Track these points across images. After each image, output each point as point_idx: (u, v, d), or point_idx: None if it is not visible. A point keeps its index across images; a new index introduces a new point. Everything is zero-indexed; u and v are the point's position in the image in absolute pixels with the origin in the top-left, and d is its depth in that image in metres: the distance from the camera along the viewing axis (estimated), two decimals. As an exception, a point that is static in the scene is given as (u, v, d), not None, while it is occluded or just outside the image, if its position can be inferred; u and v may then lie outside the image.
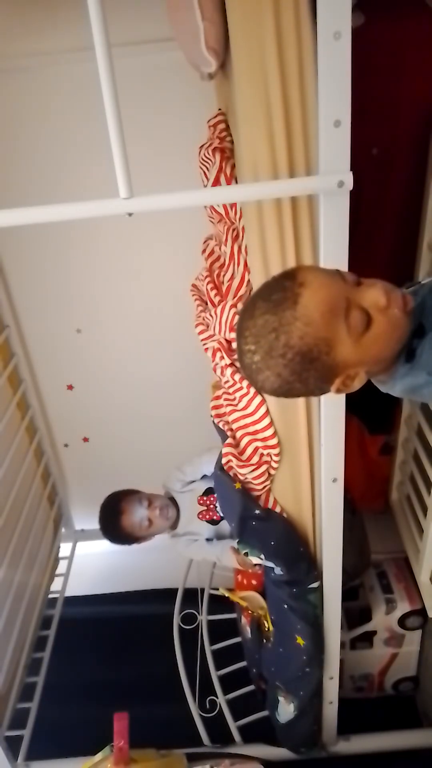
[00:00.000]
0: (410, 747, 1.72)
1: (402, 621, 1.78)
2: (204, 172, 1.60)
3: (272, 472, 1.35)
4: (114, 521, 1.80)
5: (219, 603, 2.02)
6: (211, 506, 1.81)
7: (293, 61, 0.95)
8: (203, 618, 2.00)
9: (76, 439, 2.35)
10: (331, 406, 1.13)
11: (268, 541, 1.37)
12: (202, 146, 1.60)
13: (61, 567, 2.32)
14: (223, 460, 1.39)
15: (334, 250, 0.96)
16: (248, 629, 1.79)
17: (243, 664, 1.87)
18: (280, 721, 1.64)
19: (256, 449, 1.34)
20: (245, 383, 1.33)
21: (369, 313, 0.75)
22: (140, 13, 1.57)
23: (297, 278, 0.74)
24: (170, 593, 2.11)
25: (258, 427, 1.31)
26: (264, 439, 1.31)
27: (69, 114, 1.74)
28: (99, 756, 1.37)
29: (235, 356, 0.87)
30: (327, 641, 1.47)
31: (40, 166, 1.82)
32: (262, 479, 1.35)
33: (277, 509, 1.38)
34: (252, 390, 1.31)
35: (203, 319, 1.61)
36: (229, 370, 1.40)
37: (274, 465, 1.33)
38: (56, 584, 2.23)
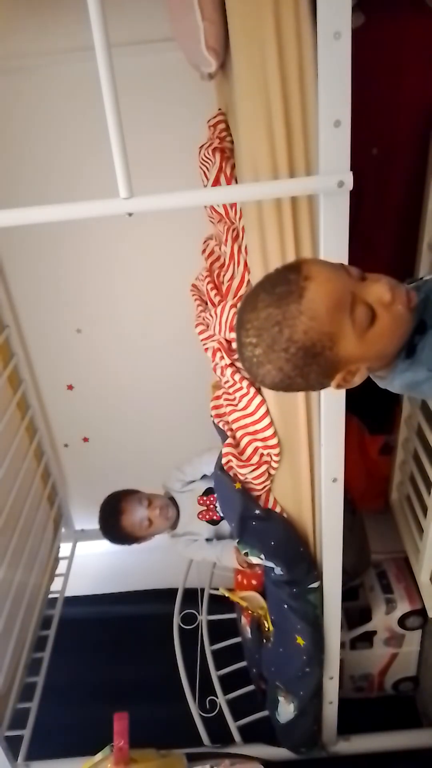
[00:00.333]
0: (410, 747, 1.72)
1: (402, 621, 1.78)
2: (204, 172, 1.60)
3: (272, 472, 1.35)
4: (114, 521, 1.80)
5: (219, 603, 2.02)
6: (211, 506, 1.81)
7: (293, 61, 0.95)
8: (203, 618, 2.00)
9: (76, 439, 2.35)
10: (332, 406, 1.13)
11: (268, 541, 1.37)
12: (202, 146, 1.60)
13: (61, 567, 2.32)
14: (223, 460, 1.39)
15: (334, 250, 0.96)
16: (248, 629, 1.79)
17: (243, 664, 1.87)
18: (280, 721, 1.65)
19: (256, 449, 1.34)
20: (245, 383, 1.33)
21: (374, 309, 0.74)
22: (140, 13, 1.57)
23: (302, 271, 0.73)
24: (170, 593, 2.11)
25: (258, 427, 1.31)
26: (264, 439, 1.31)
27: (69, 114, 1.74)
28: (99, 756, 1.37)
29: (235, 356, 0.87)
30: (327, 641, 1.47)
31: (40, 166, 1.82)
32: (262, 479, 1.35)
33: (277, 509, 1.38)
34: (252, 390, 1.31)
35: (203, 319, 1.61)
36: (229, 370, 1.40)
37: (274, 465, 1.33)
38: (56, 584, 2.23)
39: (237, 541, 1.51)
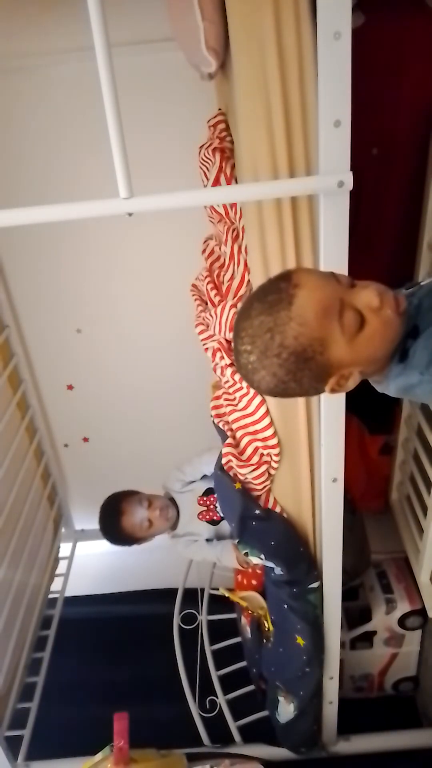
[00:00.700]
0: (410, 747, 1.72)
1: (402, 621, 1.78)
2: (204, 172, 1.60)
3: (272, 472, 1.35)
4: (114, 522, 1.80)
5: (219, 603, 2.02)
6: (211, 506, 1.81)
7: (293, 61, 0.95)
8: (203, 618, 2.00)
9: (76, 439, 2.35)
10: (331, 406, 1.13)
11: (268, 541, 1.38)
12: (202, 146, 1.60)
13: (61, 567, 2.32)
14: (223, 460, 1.39)
15: (334, 250, 0.96)
16: (248, 629, 1.79)
17: (243, 664, 1.88)
18: (280, 721, 1.65)
19: (256, 449, 1.34)
20: (245, 383, 1.33)
21: (362, 314, 0.76)
22: (140, 13, 1.57)
23: (292, 280, 0.75)
24: (170, 593, 2.11)
25: (258, 427, 1.31)
26: (264, 439, 1.31)
27: (69, 114, 1.74)
28: (99, 756, 1.38)
29: (233, 355, 0.88)
30: (327, 641, 1.47)
31: (40, 166, 1.82)
32: (262, 479, 1.35)
33: (277, 509, 1.38)
34: (252, 390, 1.31)
35: (203, 319, 1.61)
36: (229, 370, 1.40)
37: (274, 465, 1.33)
38: (56, 584, 2.24)
39: (237, 541, 1.52)
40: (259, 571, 1.78)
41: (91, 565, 2.35)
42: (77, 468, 2.42)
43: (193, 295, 1.71)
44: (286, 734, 1.66)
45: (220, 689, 1.81)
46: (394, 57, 1.53)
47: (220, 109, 1.61)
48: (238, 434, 1.38)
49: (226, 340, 1.45)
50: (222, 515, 1.72)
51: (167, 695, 1.82)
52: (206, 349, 1.53)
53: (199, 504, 1.82)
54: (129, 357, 2.16)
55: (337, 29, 0.81)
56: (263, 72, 0.96)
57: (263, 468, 1.34)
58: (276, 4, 0.92)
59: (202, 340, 1.57)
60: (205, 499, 1.82)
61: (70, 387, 2.23)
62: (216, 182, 1.47)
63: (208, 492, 1.81)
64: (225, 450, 1.40)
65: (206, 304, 1.64)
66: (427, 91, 1.55)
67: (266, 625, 1.71)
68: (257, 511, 1.36)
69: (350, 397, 1.07)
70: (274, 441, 1.29)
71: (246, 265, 1.39)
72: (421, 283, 0.91)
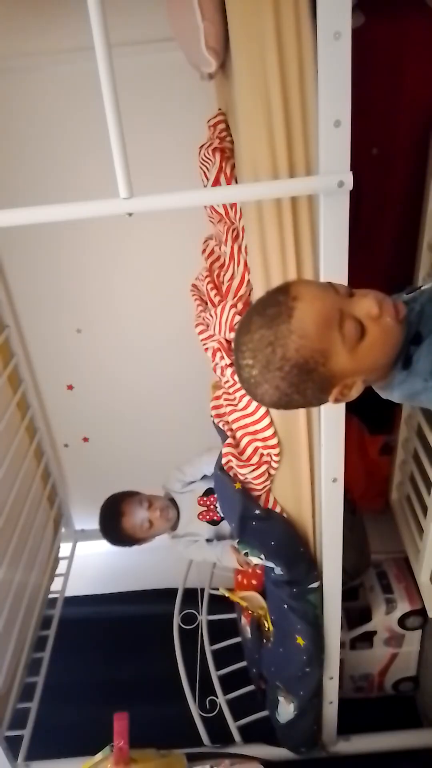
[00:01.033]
0: (410, 747, 1.72)
1: (402, 621, 1.78)
2: (204, 172, 1.60)
3: (272, 472, 1.35)
4: (114, 523, 1.80)
5: (219, 603, 2.02)
6: (212, 507, 1.81)
7: (293, 61, 0.95)
8: (203, 618, 2.00)
9: (76, 439, 2.35)
10: (331, 407, 1.13)
11: (268, 541, 1.37)
12: (202, 146, 1.60)
13: (61, 567, 2.32)
14: (223, 460, 1.39)
15: (334, 250, 0.96)
16: (248, 629, 1.79)
17: (243, 664, 1.87)
18: (280, 721, 1.64)
19: (256, 449, 1.34)
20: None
21: (362, 323, 0.76)
22: (140, 13, 1.57)
23: (290, 292, 0.75)
24: (170, 593, 2.11)
25: (258, 427, 1.31)
26: (264, 439, 1.31)
27: (69, 114, 1.74)
28: (99, 756, 1.37)
29: (235, 370, 0.88)
30: (327, 641, 1.47)
31: (40, 166, 1.82)
32: (262, 479, 1.35)
33: (277, 509, 1.38)
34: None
35: (203, 319, 1.61)
36: (229, 370, 1.40)
37: (274, 465, 1.33)
38: (56, 584, 2.23)
39: (237, 541, 1.51)
40: (259, 571, 1.78)
41: (91, 565, 2.35)
42: (77, 468, 2.42)
43: (193, 295, 1.71)
44: (286, 734, 1.66)
45: (220, 689, 1.81)
46: (394, 57, 1.53)
47: (220, 109, 1.61)
48: (238, 434, 1.38)
49: (226, 340, 1.45)
50: (222, 515, 1.72)
51: (167, 695, 1.82)
52: (206, 349, 1.53)
53: (200, 504, 1.82)
54: (129, 357, 2.16)
55: (337, 29, 0.81)
56: (263, 72, 0.96)
57: (263, 468, 1.34)
58: (276, 4, 0.92)
59: (202, 340, 1.57)
60: (205, 499, 1.81)
61: (70, 387, 2.23)
62: (216, 182, 1.47)
63: (209, 492, 1.81)
64: (225, 450, 1.40)
65: (206, 304, 1.64)
66: (427, 91, 1.55)
67: (266, 625, 1.71)
68: (257, 511, 1.36)
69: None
70: (274, 441, 1.29)
71: (246, 265, 1.39)
72: (422, 288, 0.91)
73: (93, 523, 1.90)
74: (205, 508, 1.82)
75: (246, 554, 1.48)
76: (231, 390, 1.43)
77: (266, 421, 1.29)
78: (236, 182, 1.43)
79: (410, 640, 1.83)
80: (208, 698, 1.79)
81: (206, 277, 1.64)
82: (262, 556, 1.41)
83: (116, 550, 1.88)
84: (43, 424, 2.28)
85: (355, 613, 1.84)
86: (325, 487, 1.23)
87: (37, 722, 1.77)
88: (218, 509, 1.75)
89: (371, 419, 1.98)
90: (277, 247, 1.07)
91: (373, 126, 1.53)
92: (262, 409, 1.29)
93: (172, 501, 1.87)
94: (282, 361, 0.74)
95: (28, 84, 1.73)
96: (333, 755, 1.71)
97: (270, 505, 1.39)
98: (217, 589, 2.00)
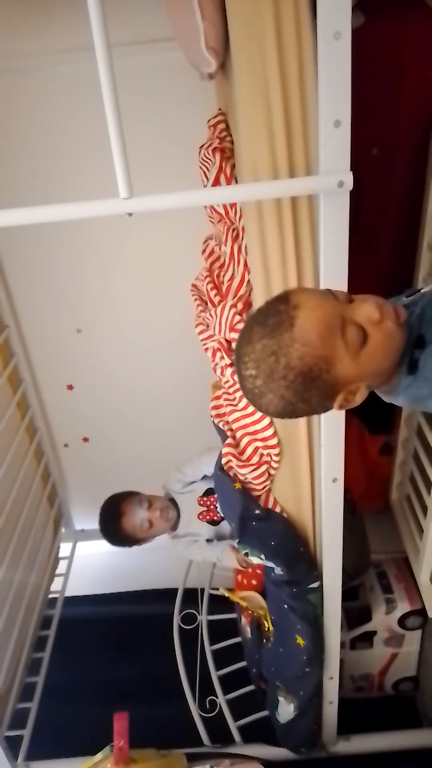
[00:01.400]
0: (410, 747, 1.72)
1: (402, 621, 1.78)
2: (204, 172, 1.60)
3: (272, 472, 1.35)
4: (114, 523, 1.80)
5: (219, 603, 2.02)
6: (212, 507, 1.81)
7: (293, 61, 0.95)
8: (203, 618, 2.00)
9: (76, 439, 2.35)
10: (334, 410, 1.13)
11: (268, 541, 1.37)
12: (202, 146, 1.60)
13: (61, 567, 2.32)
14: (223, 460, 1.39)
15: (334, 250, 0.96)
16: (248, 629, 1.79)
17: (243, 664, 1.87)
18: (280, 721, 1.65)
19: (256, 449, 1.34)
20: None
21: (364, 328, 0.76)
22: (140, 13, 1.57)
23: (291, 301, 0.75)
24: (170, 593, 2.11)
25: (258, 427, 1.31)
26: (264, 439, 1.31)
27: (69, 114, 1.74)
28: (99, 756, 1.37)
29: (237, 381, 0.88)
30: (327, 641, 1.47)
31: (40, 166, 1.82)
32: (262, 479, 1.35)
33: (277, 509, 1.38)
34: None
35: (203, 319, 1.61)
36: (229, 370, 1.40)
37: (274, 465, 1.33)
38: (56, 584, 2.23)
39: (237, 541, 1.52)
40: (259, 571, 1.78)
41: (91, 565, 2.35)
42: (77, 468, 2.42)
43: (193, 295, 1.71)
44: (286, 734, 1.66)
45: (220, 689, 1.81)
46: (394, 57, 1.53)
47: (220, 109, 1.61)
48: (238, 434, 1.38)
49: (226, 340, 1.45)
50: (222, 515, 1.72)
51: (167, 695, 1.82)
52: (206, 349, 1.53)
53: (200, 504, 1.82)
54: (129, 357, 2.16)
55: (337, 29, 0.81)
56: (263, 72, 0.96)
57: (263, 468, 1.34)
58: (276, 4, 0.92)
59: (202, 340, 1.57)
60: (205, 499, 1.81)
61: (70, 387, 2.23)
62: (216, 182, 1.47)
63: (209, 492, 1.81)
64: (225, 450, 1.40)
65: (206, 304, 1.64)
66: (427, 91, 1.55)
67: (266, 625, 1.71)
68: (257, 511, 1.36)
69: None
70: (274, 441, 1.29)
71: (246, 265, 1.39)
72: (422, 291, 0.91)
73: (93, 523, 1.90)
74: (205, 509, 1.82)
75: (246, 554, 1.48)
76: (231, 390, 1.43)
77: (266, 421, 1.29)
78: (236, 182, 1.43)
79: (410, 640, 1.83)
80: (208, 698, 1.79)
81: (206, 277, 1.64)
82: (262, 556, 1.41)
83: (116, 550, 1.88)
84: (43, 424, 2.28)
85: (355, 613, 1.84)
86: (325, 487, 1.23)
87: (37, 722, 1.77)
88: (218, 509, 1.75)
89: (371, 419, 1.98)
90: (277, 247, 1.07)
91: (373, 126, 1.53)
92: (262, 410, 1.29)
93: (173, 501, 1.87)
94: (286, 369, 0.74)
95: (28, 84, 1.73)
96: (333, 755, 1.71)
97: (270, 505, 1.39)
98: (217, 589, 2.00)
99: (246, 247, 1.32)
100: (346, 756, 1.71)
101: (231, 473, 1.39)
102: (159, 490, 1.91)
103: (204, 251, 1.73)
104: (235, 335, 1.37)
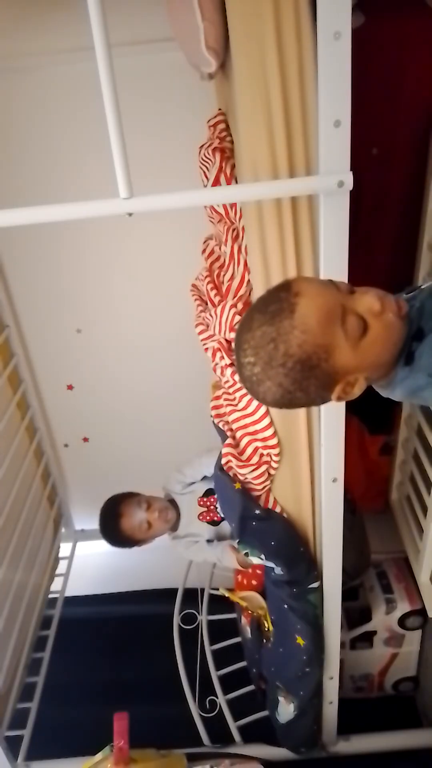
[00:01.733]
0: (410, 747, 1.72)
1: (402, 621, 1.78)
2: (204, 172, 1.60)
3: (272, 472, 1.35)
4: (113, 524, 1.80)
5: (219, 603, 2.02)
6: (212, 507, 1.81)
7: (293, 61, 0.95)
8: (203, 618, 2.00)
9: (76, 439, 2.35)
10: (331, 407, 1.13)
11: (268, 541, 1.37)
12: (202, 146, 1.60)
13: (61, 567, 2.32)
14: (223, 461, 1.39)
15: (334, 250, 0.96)
16: (248, 629, 1.79)
17: (243, 664, 1.87)
18: (280, 721, 1.65)
19: (256, 449, 1.34)
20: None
21: (365, 319, 0.76)
22: (140, 13, 1.57)
23: (292, 289, 0.75)
24: (170, 593, 2.11)
25: (258, 427, 1.31)
26: (264, 439, 1.31)
27: (69, 114, 1.74)
28: (99, 756, 1.38)
29: (236, 369, 0.88)
30: (327, 641, 1.47)
31: (39, 166, 1.82)
32: (262, 479, 1.35)
33: (277, 509, 1.38)
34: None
35: (203, 319, 1.61)
36: (229, 370, 1.40)
37: (274, 465, 1.33)
38: (56, 584, 2.23)
39: (237, 541, 1.52)
40: (259, 571, 1.78)
41: (91, 565, 2.35)
42: (77, 468, 2.42)
43: (193, 295, 1.71)
44: (286, 734, 1.66)
45: (220, 689, 1.81)
46: (395, 57, 1.53)
47: (220, 109, 1.61)
48: (238, 434, 1.38)
49: (226, 340, 1.45)
50: (222, 516, 1.72)
51: (167, 695, 1.82)
52: (206, 349, 1.53)
53: (200, 505, 1.82)
54: (129, 357, 2.16)
55: (337, 29, 0.81)
56: (263, 72, 0.96)
57: (263, 468, 1.34)
58: (276, 4, 0.92)
59: (202, 340, 1.57)
60: (205, 500, 1.81)
61: (70, 387, 2.23)
62: (216, 182, 1.47)
63: (209, 493, 1.81)
64: (225, 450, 1.40)
65: (206, 304, 1.64)
66: (427, 91, 1.55)
67: (266, 625, 1.71)
68: (257, 511, 1.36)
69: (350, 397, 1.07)
70: (274, 441, 1.29)
71: (246, 265, 1.39)
72: (422, 287, 0.91)
73: (93, 523, 1.90)
74: (206, 509, 1.82)
75: (246, 554, 1.48)
76: (231, 390, 1.43)
77: (266, 421, 1.29)
78: (236, 182, 1.43)
79: (410, 640, 1.83)
80: (208, 698, 1.79)
81: (206, 277, 1.64)
82: (262, 556, 1.41)
83: (116, 551, 1.88)
84: (43, 424, 2.28)
85: (355, 613, 1.84)
86: (325, 487, 1.23)
87: (37, 722, 1.77)
88: (218, 510, 1.75)
89: (371, 419, 1.98)
90: (277, 247, 1.07)
91: (373, 126, 1.53)
92: (262, 409, 1.29)
93: (173, 502, 1.87)
94: (284, 357, 0.74)
95: (28, 84, 1.73)
96: (333, 755, 1.71)
97: (270, 505, 1.39)
98: (217, 589, 2.00)
99: (246, 247, 1.32)
100: (346, 756, 1.71)
101: (231, 473, 1.39)
102: (159, 490, 1.91)
103: (204, 251, 1.73)
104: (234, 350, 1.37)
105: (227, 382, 1.43)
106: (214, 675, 1.85)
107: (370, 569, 1.85)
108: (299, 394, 0.77)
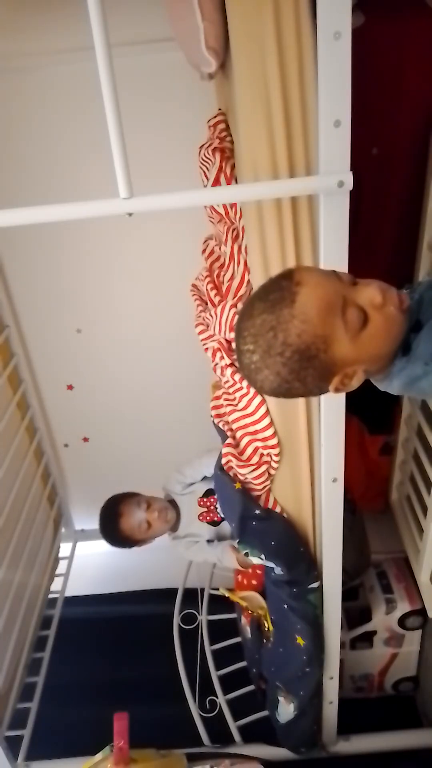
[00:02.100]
0: (410, 747, 1.72)
1: (402, 621, 1.78)
2: (204, 172, 1.60)
3: (272, 472, 1.35)
4: (113, 524, 1.80)
5: (219, 603, 2.02)
6: (212, 507, 1.81)
7: (293, 61, 0.95)
8: (203, 618, 2.00)
9: (76, 439, 2.35)
10: (331, 407, 1.13)
11: (268, 541, 1.37)
12: (202, 146, 1.60)
13: (61, 567, 2.32)
14: (223, 461, 1.39)
15: (334, 250, 0.96)
16: (248, 629, 1.79)
17: (243, 664, 1.87)
18: (280, 721, 1.65)
19: (256, 449, 1.34)
20: (245, 383, 1.33)
21: (365, 311, 0.76)
22: (140, 13, 1.57)
23: (294, 278, 0.75)
24: (170, 593, 2.11)
25: (258, 427, 1.31)
26: (264, 439, 1.31)
27: (69, 114, 1.74)
28: (99, 756, 1.37)
29: (235, 356, 0.88)
30: (327, 641, 1.47)
31: (40, 166, 1.82)
32: (262, 479, 1.35)
33: (277, 509, 1.38)
34: (252, 390, 1.31)
35: (203, 319, 1.61)
36: (229, 370, 1.40)
37: (274, 465, 1.33)
38: (56, 584, 2.24)
39: (237, 541, 1.52)
40: (259, 571, 1.78)
41: (91, 565, 2.35)
42: (77, 468, 2.42)
43: (193, 295, 1.71)
44: (286, 734, 1.66)
45: (220, 689, 1.81)
46: (395, 57, 1.53)
47: (220, 109, 1.61)
48: (238, 434, 1.38)
49: (226, 340, 1.45)
50: (222, 516, 1.72)
51: (167, 695, 1.82)
52: (206, 349, 1.53)
53: (200, 505, 1.82)
54: (129, 357, 2.17)
55: (337, 29, 0.81)
56: (263, 72, 0.96)
57: (263, 468, 1.34)
58: (276, 4, 0.92)
59: (202, 340, 1.57)
60: (205, 500, 1.81)
61: (70, 387, 2.24)
62: (216, 182, 1.47)
63: (209, 493, 1.81)
64: (225, 450, 1.40)
65: (206, 304, 1.64)
66: (428, 91, 1.55)
67: (266, 625, 1.71)
68: (257, 511, 1.36)
69: (350, 397, 1.07)
70: (274, 441, 1.29)
71: (246, 265, 1.39)
72: (421, 281, 0.91)
73: (93, 523, 1.90)
74: (206, 509, 1.82)
75: (246, 554, 1.48)
76: (231, 390, 1.43)
77: (266, 421, 1.29)
78: (236, 182, 1.43)
79: (410, 640, 1.82)
80: (208, 698, 1.79)
81: (206, 277, 1.64)
82: (262, 556, 1.41)
83: (116, 550, 1.88)
84: (43, 424, 2.28)
85: (355, 613, 1.84)
86: (325, 487, 1.23)
87: (37, 722, 1.77)
88: (218, 510, 1.75)
89: (371, 419, 1.98)
90: (277, 247, 1.07)
91: (373, 126, 1.53)
92: (262, 409, 1.29)
93: (172, 502, 1.87)
94: (283, 346, 0.74)
95: (28, 84, 1.73)
96: (333, 755, 1.71)
97: (270, 505, 1.39)
98: (217, 589, 2.00)
99: (246, 247, 1.32)
100: (346, 756, 1.71)
101: (231, 473, 1.39)
102: (159, 491, 1.91)
103: (204, 251, 1.73)
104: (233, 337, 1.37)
105: (227, 382, 1.43)
106: (214, 675, 1.85)
107: (370, 569, 1.85)
108: (297, 384, 0.77)
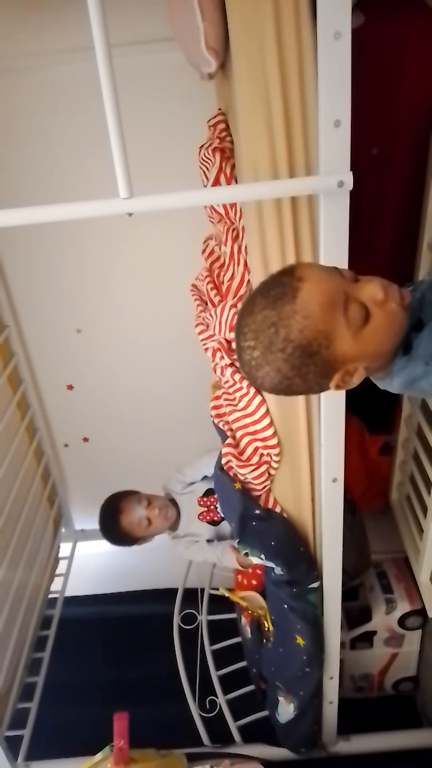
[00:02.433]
0: (410, 747, 1.72)
1: (402, 621, 1.78)
2: (204, 172, 1.60)
3: (272, 472, 1.35)
4: (113, 521, 1.80)
5: (219, 603, 2.02)
6: (212, 507, 1.81)
7: (293, 61, 0.95)
8: (203, 618, 2.00)
9: (76, 439, 2.35)
10: (332, 406, 1.13)
11: (268, 541, 1.37)
12: (202, 146, 1.60)
13: (61, 567, 2.32)
14: (223, 460, 1.39)
15: (334, 250, 0.96)
16: (248, 629, 1.79)
17: (243, 664, 1.87)
18: (280, 721, 1.65)
19: (256, 449, 1.34)
20: (245, 383, 1.33)
21: (367, 308, 0.76)
22: (140, 13, 1.57)
23: (295, 273, 0.75)
24: (170, 593, 2.11)
25: (258, 427, 1.31)
26: (264, 439, 1.31)
27: (69, 114, 1.74)
28: (99, 756, 1.37)
29: (235, 356, 0.88)
30: (327, 641, 1.47)
31: (39, 166, 1.82)
32: (262, 479, 1.35)
33: (277, 509, 1.38)
34: (252, 390, 1.31)
35: (203, 319, 1.61)
36: (229, 370, 1.40)
37: (274, 465, 1.33)
38: (56, 584, 2.24)
39: (237, 541, 1.52)
40: (259, 571, 1.78)
41: (91, 565, 2.36)
42: (77, 468, 2.42)
43: (193, 295, 1.71)
44: (286, 734, 1.66)
45: (220, 689, 1.81)
46: (395, 57, 1.53)
47: (220, 109, 1.61)
48: (238, 434, 1.38)
49: (226, 340, 1.45)
50: (222, 515, 1.72)
51: (167, 695, 1.82)
52: (206, 349, 1.53)
53: (200, 505, 1.82)
54: (129, 357, 2.17)
55: (337, 29, 0.81)
56: (263, 72, 0.96)
57: (263, 468, 1.34)
58: (276, 4, 0.92)
59: (202, 340, 1.57)
60: (205, 499, 1.82)
61: (70, 387, 2.24)
62: (216, 182, 1.47)
63: (209, 493, 1.81)
64: (225, 450, 1.40)
65: (206, 304, 1.64)
66: (428, 91, 1.55)
67: (266, 625, 1.71)
68: (257, 511, 1.36)
69: (350, 397, 1.07)
70: (274, 441, 1.29)
71: (246, 265, 1.39)
72: (422, 280, 0.91)
73: (93, 523, 1.90)
74: (206, 509, 1.82)
75: (246, 554, 1.48)
76: (231, 390, 1.43)
77: (266, 421, 1.29)
78: (236, 182, 1.43)
79: (410, 640, 1.83)
80: (208, 698, 1.79)
81: (206, 277, 1.64)
82: (262, 556, 1.41)
83: (116, 550, 1.88)
84: (43, 424, 2.28)
85: (355, 613, 1.84)
86: (325, 487, 1.23)
87: (37, 722, 1.77)
88: (218, 510, 1.75)
89: (371, 419, 1.98)
90: (277, 247, 1.07)
91: (373, 126, 1.53)
92: (262, 409, 1.29)
93: (173, 502, 1.87)
94: (285, 342, 0.73)
95: (28, 84, 1.73)
96: (333, 755, 1.71)
97: (270, 505, 1.39)
98: (217, 589, 2.00)
99: (246, 247, 1.32)
100: (346, 756, 1.71)
101: (231, 473, 1.39)
102: (159, 490, 1.91)
103: (204, 251, 1.73)
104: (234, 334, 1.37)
105: (227, 382, 1.43)
106: (214, 675, 1.85)
107: (370, 569, 1.85)
108: (297, 380, 0.76)
